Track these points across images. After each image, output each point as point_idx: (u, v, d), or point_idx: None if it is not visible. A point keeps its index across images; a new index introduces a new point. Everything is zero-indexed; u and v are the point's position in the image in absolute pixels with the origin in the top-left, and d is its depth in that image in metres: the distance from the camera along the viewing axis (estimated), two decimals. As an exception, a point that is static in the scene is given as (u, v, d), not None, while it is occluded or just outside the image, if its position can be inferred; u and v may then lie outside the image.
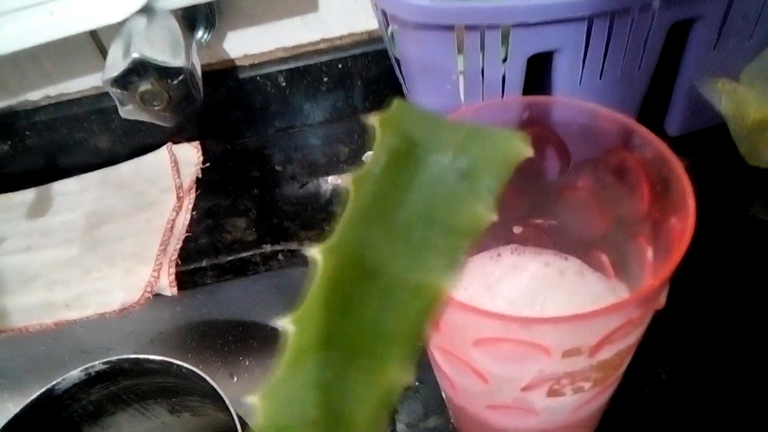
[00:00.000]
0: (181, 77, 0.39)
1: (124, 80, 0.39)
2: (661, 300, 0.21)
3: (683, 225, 0.20)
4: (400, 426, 0.35)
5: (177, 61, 0.38)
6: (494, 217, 0.14)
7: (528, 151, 0.15)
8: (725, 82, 0.40)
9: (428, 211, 0.13)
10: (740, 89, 0.39)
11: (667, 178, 0.22)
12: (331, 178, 0.48)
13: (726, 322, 0.36)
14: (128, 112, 0.41)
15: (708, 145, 0.45)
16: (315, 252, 0.13)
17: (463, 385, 0.25)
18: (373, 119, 0.14)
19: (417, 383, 0.36)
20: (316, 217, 0.46)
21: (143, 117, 0.41)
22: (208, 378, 0.37)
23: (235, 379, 0.52)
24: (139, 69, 0.38)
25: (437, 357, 0.25)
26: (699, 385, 0.34)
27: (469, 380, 0.24)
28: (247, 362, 0.52)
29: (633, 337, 0.21)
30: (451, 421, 0.34)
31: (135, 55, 0.38)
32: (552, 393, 0.23)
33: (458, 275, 0.13)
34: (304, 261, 0.45)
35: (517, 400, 0.23)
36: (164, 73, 0.38)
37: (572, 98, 0.25)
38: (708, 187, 0.43)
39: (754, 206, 0.41)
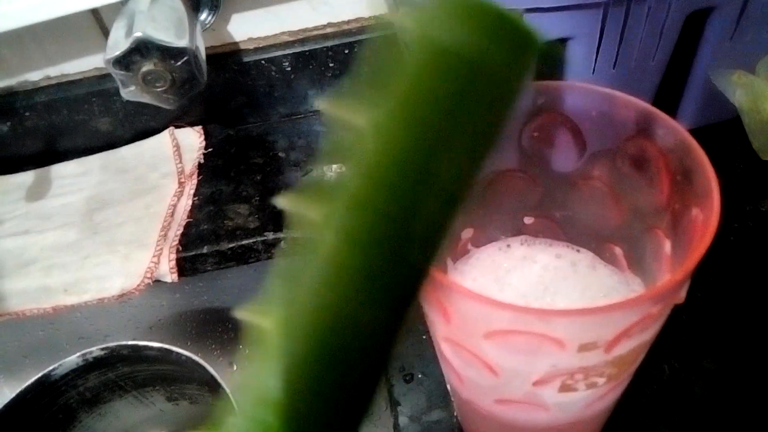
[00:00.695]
0: (184, 58, 0.38)
1: (126, 60, 0.38)
2: (682, 294, 0.20)
3: (707, 217, 0.19)
4: (402, 419, 0.34)
5: (180, 42, 0.37)
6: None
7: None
8: (741, 75, 0.39)
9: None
10: (757, 82, 0.38)
11: (689, 168, 0.21)
12: (335, 166, 0.47)
13: (736, 319, 0.35)
14: (130, 93, 0.40)
15: (721, 139, 0.44)
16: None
17: (472, 379, 0.24)
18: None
19: (420, 375, 0.36)
20: (320, 205, 0.45)
21: (145, 99, 0.40)
22: (207, 365, 0.36)
23: (235, 367, 0.52)
24: (142, 49, 0.37)
25: (445, 349, 0.24)
26: (707, 381, 0.33)
27: (479, 373, 0.23)
28: (247, 350, 0.52)
29: (650, 333, 0.21)
30: (455, 414, 0.33)
31: (138, 34, 0.37)
32: (564, 388, 0.22)
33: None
34: (307, 249, 0.44)
35: (527, 395, 0.23)
36: (167, 53, 0.38)
37: (589, 83, 0.24)
38: (720, 181, 0.42)
39: (766, 202, 0.41)
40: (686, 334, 0.35)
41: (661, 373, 0.34)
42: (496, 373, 0.22)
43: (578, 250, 0.29)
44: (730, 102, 0.41)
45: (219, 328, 0.50)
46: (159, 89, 0.39)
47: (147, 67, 0.38)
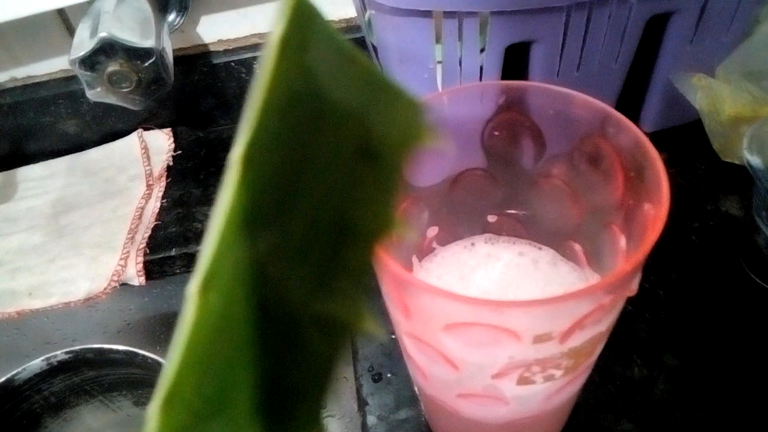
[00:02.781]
0: (150, 59, 0.38)
1: (91, 61, 0.38)
2: (633, 287, 0.20)
3: (657, 211, 0.20)
4: (370, 418, 0.34)
5: (146, 42, 0.37)
6: (408, 232, 0.10)
7: (436, 141, 0.11)
8: (701, 78, 0.40)
9: (329, 204, 0.10)
10: (716, 85, 0.39)
11: (642, 165, 0.22)
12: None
13: (697, 315, 0.36)
14: (96, 94, 0.39)
15: (682, 141, 0.45)
16: (191, 288, 0.09)
17: (434, 374, 0.24)
18: (275, 29, 0.09)
19: (389, 374, 0.36)
20: (290, 206, 0.45)
21: (111, 100, 0.40)
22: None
23: (205, 371, 0.51)
24: (107, 49, 0.37)
25: (407, 344, 0.24)
26: (670, 376, 0.34)
27: (440, 368, 0.23)
28: None
29: (604, 324, 0.21)
30: (423, 413, 0.34)
31: (103, 34, 0.37)
32: (522, 381, 0.22)
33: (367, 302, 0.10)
34: (277, 251, 0.44)
35: (487, 389, 0.23)
36: (133, 54, 0.37)
37: (549, 84, 0.24)
38: (682, 182, 0.43)
39: (726, 201, 0.42)
40: (649, 330, 0.36)
41: (624, 369, 0.34)
42: (456, 367, 0.22)
43: (540, 248, 0.30)
44: (692, 105, 0.42)
45: (189, 332, 0.50)
46: (125, 90, 0.38)
47: (112, 67, 0.38)
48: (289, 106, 0.09)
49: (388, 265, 0.19)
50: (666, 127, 0.46)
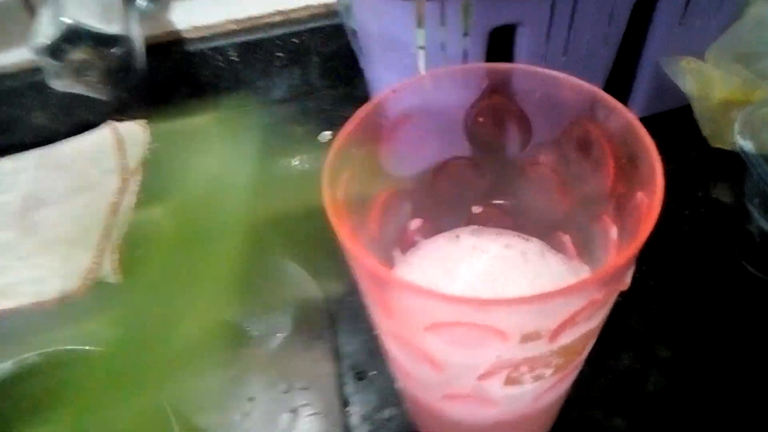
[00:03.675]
0: (118, 46, 0.36)
1: (55, 48, 0.36)
2: (626, 280, 0.19)
3: (650, 201, 0.19)
4: (353, 418, 0.33)
5: (113, 28, 0.35)
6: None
7: None
8: (690, 61, 0.39)
9: None
10: (705, 68, 0.38)
11: (634, 152, 0.21)
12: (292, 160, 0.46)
13: (689, 306, 0.35)
14: (61, 84, 0.38)
15: (671, 127, 0.44)
16: None
17: (417, 374, 0.23)
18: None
19: (373, 373, 0.35)
20: (270, 199, 0.44)
21: (78, 89, 0.38)
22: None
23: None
24: (72, 36, 0.35)
25: (389, 344, 0.23)
26: (662, 369, 0.33)
27: (423, 368, 0.22)
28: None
29: (596, 320, 0.20)
30: (408, 412, 0.32)
31: (66, 20, 0.35)
32: (510, 381, 0.21)
33: None
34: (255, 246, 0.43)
35: (474, 389, 0.22)
36: (99, 40, 0.35)
37: (536, 66, 0.23)
38: (671, 168, 0.42)
39: (717, 188, 0.41)
40: (640, 322, 0.35)
41: (614, 362, 0.33)
42: (440, 367, 0.21)
43: (527, 239, 0.29)
44: (681, 89, 0.41)
45: (168, 330, 0.48)
46: (91, 79, 0.37)
47: (77, 55, 0.36)
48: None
49: (364, 262, 0.18)
50: (655, 113, 0.45)
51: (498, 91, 0.24)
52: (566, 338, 0.19)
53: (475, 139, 0.26)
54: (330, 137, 0.47)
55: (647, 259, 0.37)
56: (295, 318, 0.49)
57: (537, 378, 0.21)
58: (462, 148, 0.27)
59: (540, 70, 0.23)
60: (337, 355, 0.35)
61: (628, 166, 0.21)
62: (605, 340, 0.34)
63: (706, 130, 0.41)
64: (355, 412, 0.33)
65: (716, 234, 0.38)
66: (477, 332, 0.18)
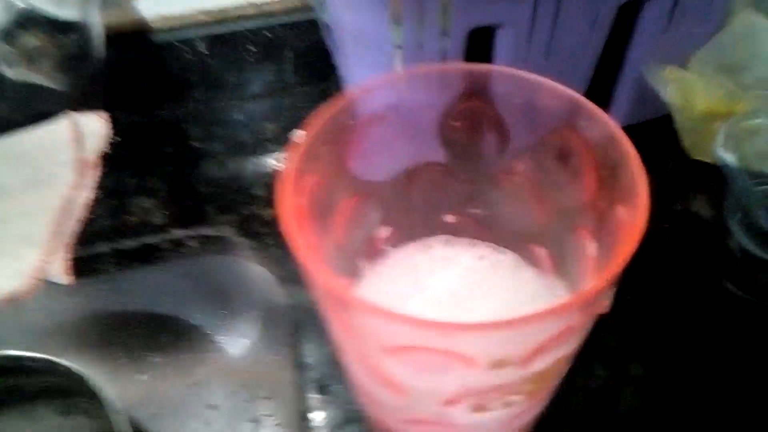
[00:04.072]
0: (73, 33, 0.34)
1: (6, 33, 0.33)
2: (606, 303, 0.18)
3: (633, 216, 0.17)
4: (314, 434, 0.31)
5: (68, 14, 0.33)
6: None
7: None
8: (673, 70, 0.38)
9: None
10: (688, 77, 0.37)
11: (616, 162, 0.19)
12: (269, 161, 0.44)
13: (666, 322, 0.34)
14: (13, 71, 0.35)
15: (651, 137, 0.43)
16: None
17: (378, 397, 0.22)
18: None
19: (336, 386, 0.33)
20: (236, 200, 0.41)
21: (32, 78, 0.36)
22: (89, 378, 0.32)
23: (143, 376, 0.47)
24: (24, 21, 0.33)
25: (349, 364, 0.21)
26: (636, 388, 0.32)
27: (383, 391, 0.20)
28: (157, 359, 0.47)
29: (571, 345, 0.18)
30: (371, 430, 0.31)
31: (19, 3, 0.32)
32: (478, 408, 0.19)
33: None
34: (219, 248, 0.41)
35: (438, 416, 0.20)
36: (53, 26, 0.33)
37: (516, 69, 0.22)
38: (650, 180, 0.41)
39: (696, 202, 0.40)
40: (615, 338, 0.34)
41: (587, 380, 0.32)
42: (402, 392, 0.19)
43: (502, 252, 0.27)
44: (662, 99, 0.40)
45: (125, 335, 0.46)
46: (45, 67, 0.34)
47: (31, 41, 0.33)
48: None
49: (320, 277, 0.16)
50: (635, 122, 0.44)
51: (475, 94, 0.23)
52: (539, 364, 0.18)
53: (449, 145, 0.24)
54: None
55: (624, 274, 0.36)
56: (260, 325, 0.47)
57: (507, 405, 0.20)
58: (436, 153, 0.25)
59: (521, 73, 0.21)
60: (300, 366, 0.34)
61: (610, 178, 0.20)
62: (578, 358, 0.33)
63: (687, 141, 0.40)
64: (317, 427, 0.31)
65: (695, 249, 0.37)
66: (441, 358, 0.17)
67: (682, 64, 0.39)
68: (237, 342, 0.49)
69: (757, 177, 0.35)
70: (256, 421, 0.46)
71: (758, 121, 0.34)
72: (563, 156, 0.22)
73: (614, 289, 0.18)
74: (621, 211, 0.19)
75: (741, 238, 0.33)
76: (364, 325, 0.17)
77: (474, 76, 0.22)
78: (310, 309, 0.36)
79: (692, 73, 0.38)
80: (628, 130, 0.20)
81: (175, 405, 0.48)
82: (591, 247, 0.21)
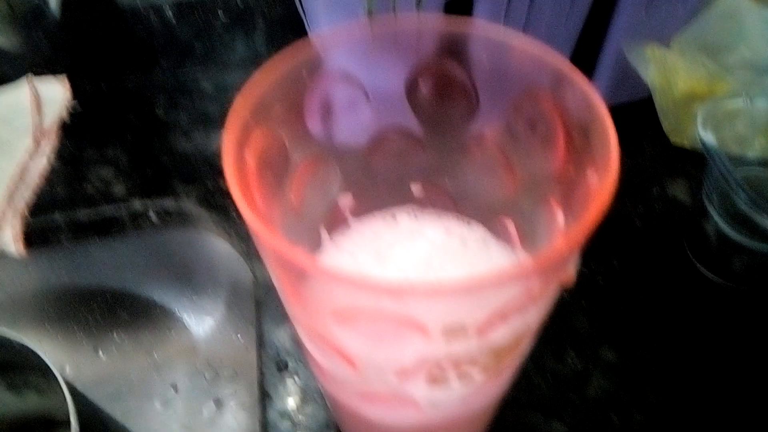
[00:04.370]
0: (25, -16, 0.31)
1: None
2: (570, 273, 0.17)
3: (603, 179, 0.16)
4: (272, 413, 0.30)
5: (19, -37, 0.31)
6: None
7: None
8: (654, 49, 0.37)
9: None
10: (669, 57, 0.36)
11: (587, 125, 0.18)
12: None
13: (638, 306, 0.33)
14: (-40, 24, 0.33)
15: (631, 120, 0.42)
16: None
17: (333, 371, 0.20)
18: None
19: (296, 363, 0.31)
20: (200, 170, 0.40)
21: (-18, 34, 0.34)
22: (38, 352, 0.30)
23: (101, 354, 0.46)
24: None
25: (302, 336, 0.20)
26: (606, 372, 0.31)
27: (336, 364, 0.19)
28: (116, 336, 0.46)
29: (533, 317, 0.17)
30: (329, 408, 0.29)
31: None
32: (434, 381, 0.18)
33: None
34: (181, 221, 0.39)
35: (393, 390, 0.19)
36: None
37: (488, 25, 0.20)
38: (628, 163, 0.40)
39: (674, 186, 0.39)
40: (585, 321, 0.33)
41: (556, 363, 0.31)
42: (355, 364, 0.18)
43: (469, 224, 0.26)
44: (643, 81, 0.39)
45: (82, 310, 0.44)
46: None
47: (-22, -9, 0.31)
48: None
49: (264, 237, 0.15)
50: (615, 104, 0.43)
51: (445, 53, 0.21)
52: (498, 335, 0.16)
53: (416, 109, 0.23)
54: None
55: (597, 254, 0.35)
56: (224, 303, 0.46)
57: (464, 379, 0.18)
58: (403, 118, 0.24)
59: (493, 31, 0.20)
60: (259, 343, 0.32)
61: (580, 142, 0.19)
62: (547, 339, 0.32)
63: (667, 124, 0.39)
64: (274, 407, 0.30)
65: (670, 233, 0.36)
66: (393, 324, 0.15)
67: (665, 44, 0.38)
68: (200, 320, 0.47)
69: (737, 160, 0.34)
70: (218, 401, 0.45)
71: (738, 102, 0.33)
72: (533, 121, 0.21)
73: (579, 259, 0.17)
74: (591, 176, 0.18)
75: (718, 221, 0.32)
76: (314, 291, 0.16)
77: (446, 32, 0.21)
78: (271, 285, 0.35)
79: (674, 52, 0.37)
80: (611, 112, 0.19)
81: (135, 385, 0.47)
82: (560, 218, 0.20)
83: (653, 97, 0.39)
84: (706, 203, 0.33)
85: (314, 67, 0.20)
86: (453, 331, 0.16)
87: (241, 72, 0.45)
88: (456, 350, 0.17)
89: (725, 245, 0.33)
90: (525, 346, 0.20)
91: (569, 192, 0.20)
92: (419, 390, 0.19)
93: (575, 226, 0.15)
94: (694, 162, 0.40)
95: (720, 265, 0.34)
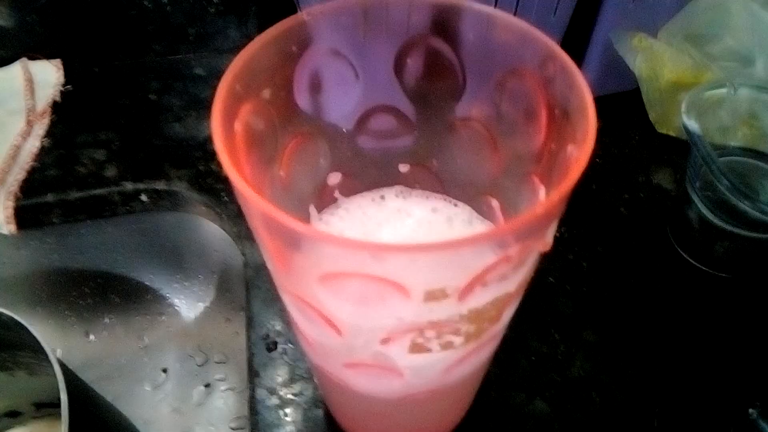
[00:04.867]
0: (19, -37, 0.32)
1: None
2: (547, 239, 0.17)
3: (580, 149, 0.17)
4: (260, 391, 0.30)
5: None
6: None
7: None
8: (642, 38, 0.37)
9: None
10: (657, 46, 0.37)
11: (568, 100, 0.19)
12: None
13: (621, 290, 0.34)
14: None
15: (618, 110, 0.43)
16: None
17: (318, 339, 0.21)
18: None
19: (285, 344, 0.32)
20: (192, 154, 0.40)
21: (-25, 13, 0.34)
22: (31, 329, 0.31)
23: (92, 337, 0.46)
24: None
25: (287, 303, 0.20)
26: (588, 354, 0.32)
27: (323, 332, 0.19)
28: (107, 319, 0.46)
29: (512, 283, 0.18)
30: (317, 387, 0.30)
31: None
32: (416, 348, 0.19)
33: None
34: (172, 204, 0.39)
35: (376, 357, 0.19)
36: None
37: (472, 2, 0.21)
38: (614, 152, 0.41)
39: (658, 174, 0.40)
40: (569, 304, 0.33)
41: (540, 344, 0.32)
42: (339, 330, 0.19)
43: (455, 204, 0.26)
44: (630, 71, 0.39)
45: (74, 292, 0.44)
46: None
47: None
48: None
49: (253, 201, 0.15)
50: (602, 94, 0.44)
51: (433, 30, 0.22)
52: (477, 301, 0.17)
53: (403, 86, 0.24)
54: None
55: (581, 239, 0.36)
56: (215, 286, 0.46)
57: (446, 346, 0.19)
58: (391, 96, 0.24)
59: (473, 5, 0.20)
60: (248, 323, 0.33)
61: (562, 117, 0.19)
62: (531, 320, 0.32)
63: (653, 114, 0.40)
64: (262, 385, 0.30)
65: (654, 219, 0.37)
66: (375, 286, 0.16)
67: (653, 34, 0.38)
68: (191, 305, 0.47)
69: (719, 149, 0.35)
70: (208, 385, 0.45)
71: (722, 91, 0.34)
72: (518, 98, 0.21)
73: (555, 225, 0.17)
74: (570, 150, 0.18)
75: (700, 207, 0.33)
76: (301, 258, 0.17)
77: (427, 10, 0.21)
78: (260, 266, 0.35)
79: (661, 42, 0.37)
80: (596, 102, 0.19)
81: (125, 368, 0.47)
82: (541, 193, 0.21)
83: (640, 86, 0.39)
84: (689, 189, 0.33)
85: (304, 42, 0.21)
86: (434, 295, 0.16)
87: (233, 56, 0.46)
88: (438, 316, 0.17)
89: (707, 231, 0.33)
90: (506, 317, 0.20)
91: (550, 168, 0.20)
92: (402, 358, 0.19)
93: (552, 193, 0.16)
94: (679, 151, 0.40)
95: (702, 251, 0.34)
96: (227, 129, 0.18)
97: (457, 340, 0.19)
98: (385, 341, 0.18)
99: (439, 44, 0.22)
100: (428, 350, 0.19)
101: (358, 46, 0.22)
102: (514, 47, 0.20)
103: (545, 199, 0.19)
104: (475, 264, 0.15)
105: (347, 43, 0.22)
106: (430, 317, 0.17)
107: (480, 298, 0.17)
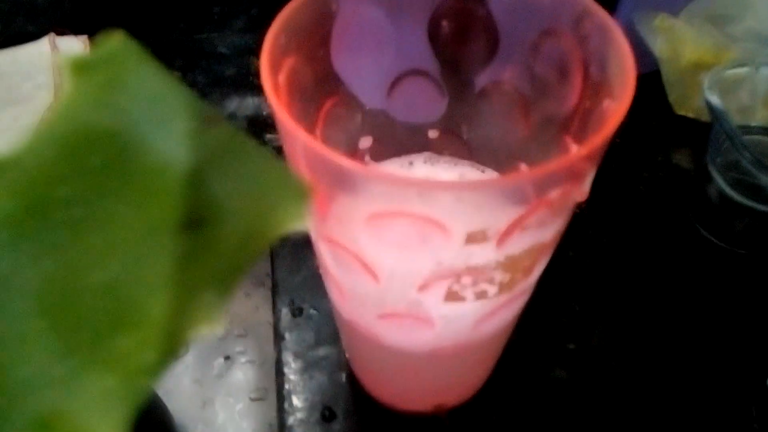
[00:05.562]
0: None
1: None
2: (584, 188, 0.18)
3: (619, 102, 0.17)
4: (286, 354, 0.31)
5: None
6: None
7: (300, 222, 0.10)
8: (664, 19, 0.38)
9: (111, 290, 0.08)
10: (678, 26, 0.37)
11: (605, 55, 0.19)
12: (252, 97, 0.43)
13: (640, 266, 0.35)
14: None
15: (637, 92, 0.43)
16: None
17: (353, 288, 0.21)
18: (65, 60, 0.08)
19: (311, 310, 0.32)
20: (217, 129, 0.41)
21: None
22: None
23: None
24: None
25: (323, 252, 0.21)
26: (606, 326, 0.32)
27: (359, 279, 0.20)
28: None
29: (548, 232, 0.18)
30: (343, 350, 0.31)
31: None
32: (451, 296, 0.19)
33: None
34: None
35: (411, 305, 0.20)
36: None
37: None
38: (634, 133, 0.41)
39: (678, 154, 0.40)
40: (590, 278, 0.34)
41: (560, 316, 0.32)
42: (376, 276, 0.19)
43: (483, 170, 0.27)
44: (651, 53, 0.40)
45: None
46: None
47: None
48: (86, 143, 0.08)
49: (303, 139, 0.16)
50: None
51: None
52: (514, 246, 0.18)
53: (436, 49, 0.24)
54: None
55: (602, 216, 0.36)
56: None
57: (480, 296, 0.19)
58: (423, 60, 0.25)
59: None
60: (273, 290, 0.33)
61: (598, 74, 0.20)
62: (551, 292, 0.33)
63: (673, 95, 0.40)
64: (288, 348, 0.31)
65: (673, 197, 0.37)
66: (418, 225, 0.16)
67: (675, 14, 0.39)
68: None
69: (740, 129, 0.35)
70: (228, 357, 0.46)
71: (743, 71, 0.34)
72: (551, 57, 0.22)
73: (592, 175, 0.18)
74: (606, 104, 0.19)
75: (720, 183, 0.33)
76: (344, 195, 0.17)
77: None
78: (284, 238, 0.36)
79: (683, 22, 0.38)
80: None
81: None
82: (573, 150, 0.21)
83: (660, 67, 0.40)
84: (709, 166, 0.34)
85: (343, 1, 0.21)
86: (475, 237, 0.17)
87: (257, 35, 0.46)
88: (476, 261, 0.18)
89: (727, 207, 0.34)
90: (536, 271, 0.21)
91: (584, 127, 0.21)
92: (436, 305, 0.20)
93: (593, 138, 0.16)
94: (698, 132, 0.41)
95: (721, 228, 0.35)
96: (274, 78, 0.18)
97: (492, 289, 0.19)
98: (422, 287, 0.19)
99: (475, 5, 0.22)
100: (462, 299, 0.19)
101: (394, 8, 0.22)
102: (549, 6, 0.21)
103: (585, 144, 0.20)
104: (516, 207, 0.16)
105: (384, 4, 0.22)
106: (468, 262, 0.18)
107: (517, 245, 0.17)
